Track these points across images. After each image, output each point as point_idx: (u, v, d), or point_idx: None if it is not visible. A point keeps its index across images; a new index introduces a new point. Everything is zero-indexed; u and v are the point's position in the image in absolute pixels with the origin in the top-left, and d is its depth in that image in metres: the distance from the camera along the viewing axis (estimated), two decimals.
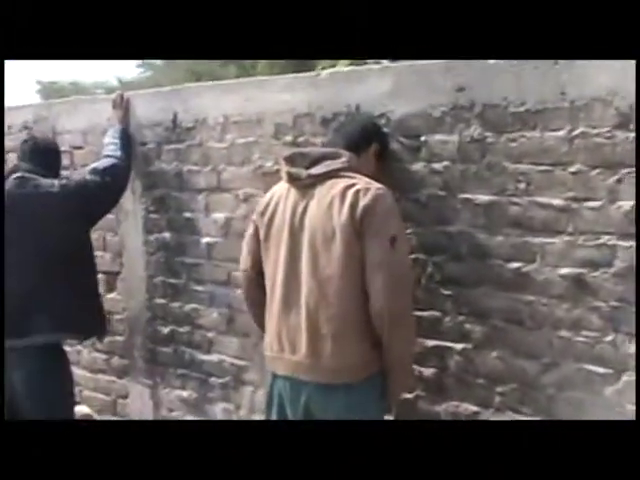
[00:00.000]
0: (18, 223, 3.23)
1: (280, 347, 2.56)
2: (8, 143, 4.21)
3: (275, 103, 3.04)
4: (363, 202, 2.42)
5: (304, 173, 2.53)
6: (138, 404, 3.77)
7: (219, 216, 3.31)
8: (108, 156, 3.45)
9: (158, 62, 13.46)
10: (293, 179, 2.56)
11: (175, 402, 3.60)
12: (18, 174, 3.35)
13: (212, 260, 3.36)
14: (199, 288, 3.43)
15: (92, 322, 3.42)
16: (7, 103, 4.00)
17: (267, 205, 2.62)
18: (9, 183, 3.33)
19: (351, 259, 2.43)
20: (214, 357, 3.41)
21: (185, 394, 3.55)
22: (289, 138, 3.01)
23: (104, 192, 3.39)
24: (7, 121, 4.29)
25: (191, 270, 3.46)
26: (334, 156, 2.55)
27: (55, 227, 3.24)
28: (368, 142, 2.65)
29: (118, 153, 3.46)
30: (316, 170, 2.52)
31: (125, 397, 3.86)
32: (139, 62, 14.31)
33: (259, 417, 3.19)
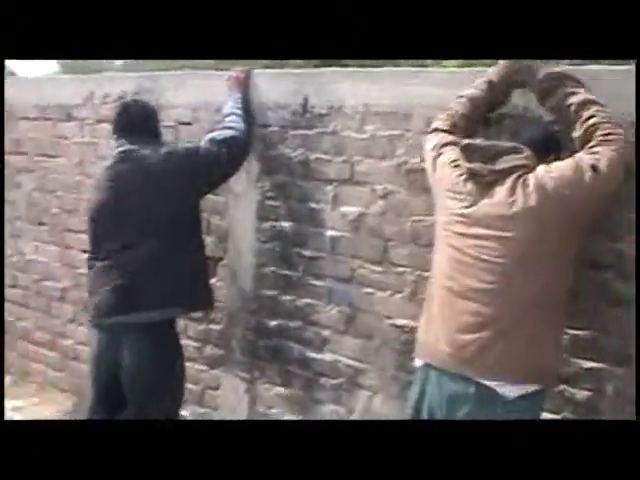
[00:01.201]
0: (124, 198, 3.14)
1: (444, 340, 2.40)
2: (104, 112, 4.06)
3: (427, 97, 2.87)
4: (534, 196, 2.32)
5: (486, 169, 2.41)
6: (231, 397, 3.61)
7: (350, 210, 3.13)
8: (229, 127, 3.25)
9: None
10: (472, 175, 2.44)
11: (275, 399, 3.44)
12: (121, 148, 3.22)
13: (335, 255, 3.20)
14: (317, 283, 3.26)
15: (201, 295, 3.26)
16: None
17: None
18: (112, 158, 3.24)
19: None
20: (327, 356, 3.25)
21: (288, 392, 3.39)
22: None
23: (217, 164, 3.18)
24: (103, 90, 4.14)
25: (309, 263, 3.28)
26: (516, 151, 2.42)
27: (161, 198, 3.10)
28: (547, 151, 2.50)
29: (240, 125, 3.26)
30: (499, 165, 2.41)
31: (216, 389, 3.70)
32: None
33: None
